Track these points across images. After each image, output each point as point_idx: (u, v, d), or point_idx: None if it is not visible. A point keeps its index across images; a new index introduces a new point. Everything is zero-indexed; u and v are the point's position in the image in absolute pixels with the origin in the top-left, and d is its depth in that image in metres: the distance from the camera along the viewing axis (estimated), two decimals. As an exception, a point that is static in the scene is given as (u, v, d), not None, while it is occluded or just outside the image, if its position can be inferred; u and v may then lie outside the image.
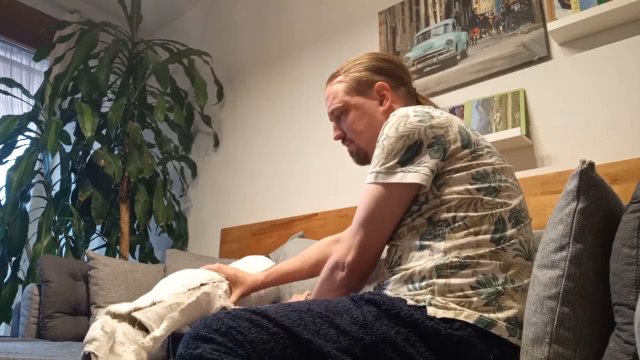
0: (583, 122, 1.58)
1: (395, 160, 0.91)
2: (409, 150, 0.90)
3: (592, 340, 0.74)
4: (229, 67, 2.96)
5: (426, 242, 0.89)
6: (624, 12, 1.49)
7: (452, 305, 0.82)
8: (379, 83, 1.11)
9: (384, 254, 0.98)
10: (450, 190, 0.89)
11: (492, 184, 0.90)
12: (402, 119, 0.93)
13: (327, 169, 2.27)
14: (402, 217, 0.94)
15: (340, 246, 0.96)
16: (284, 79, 2.62)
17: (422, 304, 0.82)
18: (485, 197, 0.89)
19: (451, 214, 0.88)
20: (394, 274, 0.91)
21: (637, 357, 0.64)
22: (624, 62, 1.53)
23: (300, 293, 1.65)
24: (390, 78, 1.13)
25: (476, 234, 0.87)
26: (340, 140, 1.17)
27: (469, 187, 0.89)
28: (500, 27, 1.81)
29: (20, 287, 2.33)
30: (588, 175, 0.79)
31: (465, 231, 0.87)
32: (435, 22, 2.02)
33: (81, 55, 2.50)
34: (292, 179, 2.42)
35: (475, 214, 0.88)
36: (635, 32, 1.52)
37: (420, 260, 0.88)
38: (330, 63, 2.40)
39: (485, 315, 0.81)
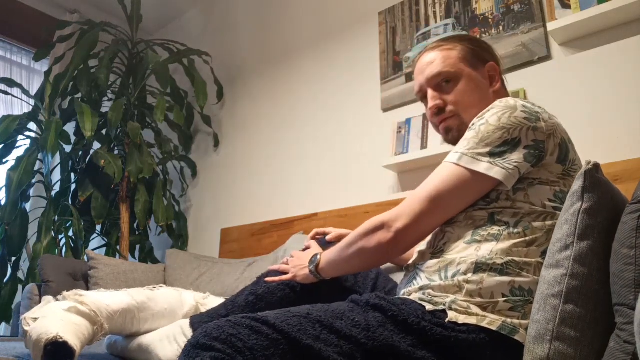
0: (583, 122, 1.58)
1: (487, 150, 0.86)
2: (504, 144, 0.86)
3: (594, 338, 0.74)
4: (229, 67, 2.96)
5: (478, 237, 0.86)
6: (624, 12, 1.49)
7: (475, 310, 0.79)
8: (490, 63, 1.06)
9: (430, 237, 0.96)
10: (527, 199, 0.86)
11: None
12: (508, 110, 0.88)
13: (327, 169, 2.27)
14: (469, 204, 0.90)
15: (392, 210, 0.91)
16: (284, 79, 2.61)
17: (442, 307, 0.80)
18: (557, 212, 0.86)
19: (515, 219, 0.86)
20: (433, 259, 0.89)
21: (636, 356, 0.64)
22: (624, 62, 1.53)
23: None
24: (497, 63, 1.08)
25: (529, 244, 0.84)
26: (432, 113, 1.04)
27: (547, 202, 0.86)
28: (500, 27, 1.81)
29: (20, 287, 2.32)
30: (593, 176, 0.79)
31: (521, 239, 0.84)
32: (435, 22, 2.02)
33: (81, 55, 2.50)
34: (292, 178, 2.42)
35: (538, 223, 0.85)
36: (636, 32, 1.52)
37: (463, 253, 0.86)
38: (330, 63, 2.40)
39: (509, 320, 0.79)
